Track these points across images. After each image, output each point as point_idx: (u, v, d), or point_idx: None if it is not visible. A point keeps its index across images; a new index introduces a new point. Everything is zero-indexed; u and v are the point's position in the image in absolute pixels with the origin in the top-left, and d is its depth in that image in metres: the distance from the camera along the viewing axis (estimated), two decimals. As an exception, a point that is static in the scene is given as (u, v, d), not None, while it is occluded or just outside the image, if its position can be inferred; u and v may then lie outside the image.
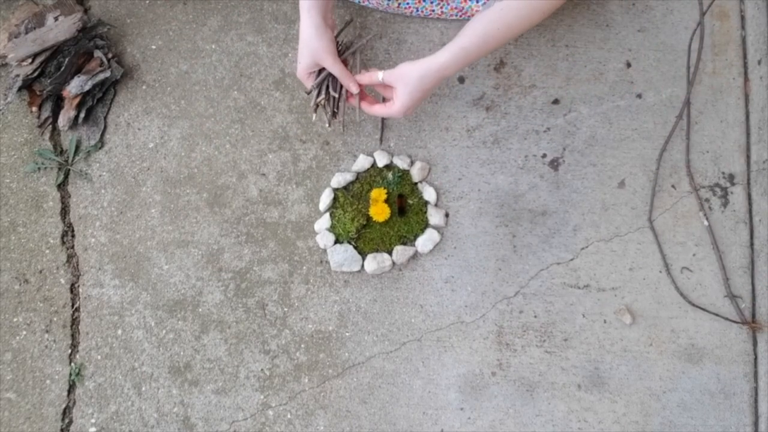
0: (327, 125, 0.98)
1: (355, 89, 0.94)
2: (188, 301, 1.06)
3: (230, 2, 1.15)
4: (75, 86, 1.08)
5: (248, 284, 1.07)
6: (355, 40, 1.01)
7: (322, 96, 0.95)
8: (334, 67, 0.92)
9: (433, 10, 1.08)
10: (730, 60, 1.10)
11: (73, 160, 1.11)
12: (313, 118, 1.01)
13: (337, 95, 0.95)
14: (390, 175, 1.07)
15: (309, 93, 0.96)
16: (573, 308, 1.04)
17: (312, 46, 0.91)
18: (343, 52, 0.97)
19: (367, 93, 0.98)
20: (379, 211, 1.04)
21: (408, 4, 1.07)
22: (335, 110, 0.96)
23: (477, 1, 1.04)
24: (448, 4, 1.06)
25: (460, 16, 1.08)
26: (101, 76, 1.09)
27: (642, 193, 1.07)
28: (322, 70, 0.95)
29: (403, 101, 0.90)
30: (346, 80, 0.93)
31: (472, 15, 1.07)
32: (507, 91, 1.10)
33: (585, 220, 1.06)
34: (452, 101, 1.10)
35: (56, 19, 1.10)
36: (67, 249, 1.09)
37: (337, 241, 1.06)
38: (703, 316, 1.03)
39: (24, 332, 1.07)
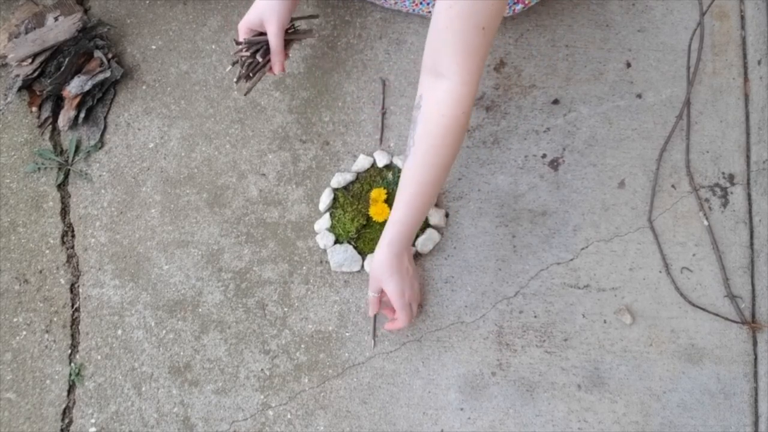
0: (234, 81, 0.96)
1: (278, 69, 0.94)
2: (188, 301, 1.07)
3: (230, 2, 1.15)
4: (75, 86, 1.08)
5: (248, 284, 1.07)
6: (307, 32, 1.00)
7: (247, 54, 0.93)
8: (275, 36, 0.90)
9: (430, 11, 1.08)
10: (730, 60, 1.10)
11: (73, 160, 1.11)
12: (227, 69, 1.02)
13: (260, 62, 0.93)
14: (390, 175, 1.07)
15: (238, 44, 0.94)
16: (573, 308, 1.04)
17: (267, 6, 0.90)
18: (290, 33, 0.96)
19: None
20: (379, 211, 1.04)
21: (405, 4, 1.07)
22: (250, 75, 0.94)
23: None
24: None
25: None
26: (101, 76, 1.09)
27: (642, 193, 1.07)
28: (263, 34, 0.93)
29: (391, 292, 0.91)
30: (277, 56, 0.92)
31: None
32: (507, 91, 1.10)
33: (585, 220, 1.06)
34: (452, 101, 1.10)
35: (56, 19, 1.10)
36: (67, 249, 1.09)
37: (337, 241, 1.06)
38: (703, 316, 1.03)
39: (24, 332, 1.07)
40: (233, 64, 0.97)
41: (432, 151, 0.83)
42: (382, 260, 0.90)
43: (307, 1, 1.13)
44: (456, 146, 0.84)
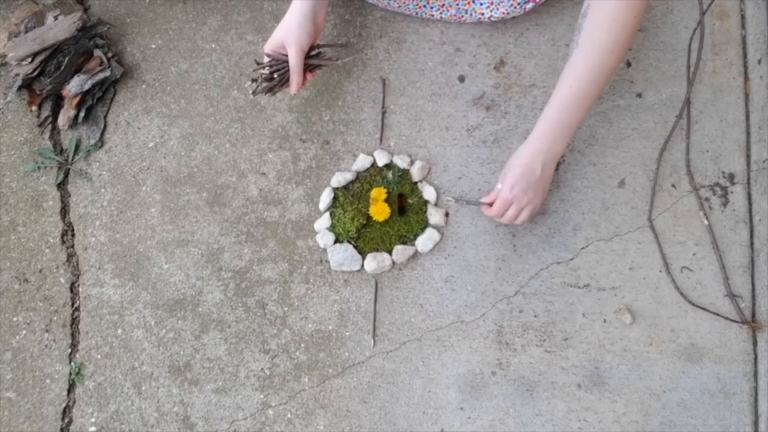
0: (251, 93, 1.01)
1: (294, 89, 0.96)
2: (188, 301, 1.06)
3: (230, 2, 1.15)
4: (75, 85, 1.08)
5: (248, 284, 1.07)
6: (333, 56, 1.01)
7: (266, 72, 0.97)
8: (294, 58, 0.94)
9: (433, 15, 1.08)
10: (730, 59, 1.10)
11: (72, 160, 1.11)
12: (246, 84, 1.07)
13: (278, 80, 0.97)
14: (390, 175, 1.07)
15: (258, 64, 0.98)
16: (573, 308, 1.04)
17: (287, 29, 0.94)
18: (313, 56, 0.98)
19: None
20: (379, 211, 1.04)
21: (408, 8, 1.07)
22: (272, 90, 0.98)
23: (480, 5, 1.04)
24: (448, 11, 1.06)
25: (458, 21, 1.08)
26: (101, 76, 1.09)
27: (642, 192, 1.07)
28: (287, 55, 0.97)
29: (505, 183, 0.93)
30: (295, 76, 0.95)
31: (471, 21, 1.07)
32: (507, 91, 1.10)
33: (585, 219, 1.06)
34: (452, 101, 1.10)
35: (56, 18, 1.10)
36: (67, 248, 1.09)
37: (337, 241, 1.06)
38: (703, 316, 1.03)
39: (24, 331, 1.07)
40: (252, 80, 1.00)
41: (599, 51, 0.86)
42: (518, 153, 0.92)
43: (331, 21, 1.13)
44: (623, 51, 0.87)
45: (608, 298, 1.04)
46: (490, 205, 0.97)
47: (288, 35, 0.94)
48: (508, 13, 1.04)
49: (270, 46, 0.96)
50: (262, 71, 0.98)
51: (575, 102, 0.88)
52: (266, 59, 0.98)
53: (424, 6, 1.06)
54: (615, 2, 0.85)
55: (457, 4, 1.05)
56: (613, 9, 0.85)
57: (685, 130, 1.08)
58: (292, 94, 1.00)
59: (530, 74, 1.10)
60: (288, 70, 0.96)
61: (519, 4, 1.03)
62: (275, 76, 0.97)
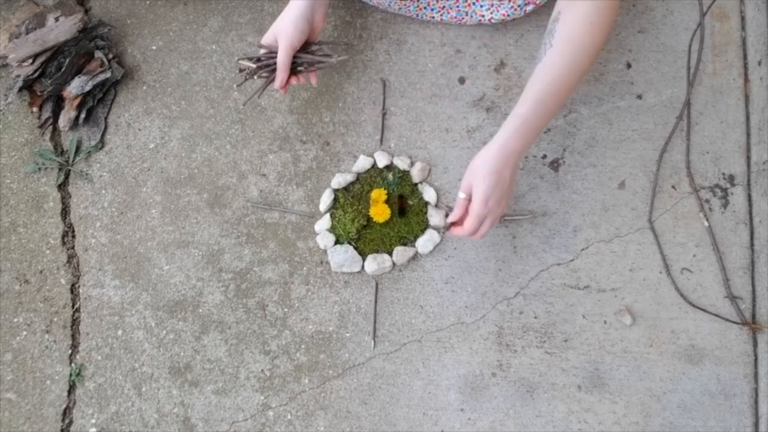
0: (236, 85, 1.02)
1: (278, 84, 0.97)
2: (188, 302, 1.07)
3: (231, 3, 1.15)
4: (75, 87, 1.09)
5: (248, 285, 1.07)
6: (325, 56, 1.00)
7: (253, 67, 0.98)
8: (282, 53, 0.94)
9: (433, 17, 1.08)
10: (730, 61, 1.10)
11: (73, 161, 1.11)
12: (235, 86, 1.10)
13: (264, 78, 0.98)
14: (390, 176, 1.07)
15: (249, 58, 0.99)
16: (573, 309, 1.04)
17: (281, 24, 0.94)
18: (307, 52, 0.98)
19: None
20: (380, 212, 1.04)
21: (409, 9, 1.07)
22: (260, 89, 1.00)
23: (480, 7, 1.05)
24: (448, 13, 1.07)
25: (459, 23, 1.08)
26: (102, 77, 1.09)
27: (642, 193, 1.07)
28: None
29: (478, 195, 0.84)
30: (280, 72, 0.96)
31: (472, 23, 1.07)
32: (507, 92, 1.10)
33: (585, 220, 1.06)
34: (452, 102, 1.10)
35: (57, 19, 1.10)
36: (68, 249, 1.09)
37: (337, 242, 1.06)
38: (704, 317, 1.03)
39: (24, 332, 1.07)
40: (240, 71, 1.00)
41: (575, 51, 0.84)
42: (486, 156, 0.84)
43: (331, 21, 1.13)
44: (597, 52, 0.86)
45: (608, 300, 1.04)
46: (455, 223, 0.89)
47: (281, 31, 0.94)
48: (508, 15, 1.04)
49: (265, 39, 0.97)
50: (249, 65, 0.98)
51: (548, 101, 0.85)
52: (261, 51, 0.98)
53: (425, 8, 1.07)
54: (589, 4, 0.83)
55: (458, 6, 1.05)
56: (589, 11, 0.83)
57: (685, 131, 1.08)
58: (279, 92, 1.00)
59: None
60: (275, 66, 0.97)
61: (519, 6, 1.03)
62: (263, 72, 0.97)
